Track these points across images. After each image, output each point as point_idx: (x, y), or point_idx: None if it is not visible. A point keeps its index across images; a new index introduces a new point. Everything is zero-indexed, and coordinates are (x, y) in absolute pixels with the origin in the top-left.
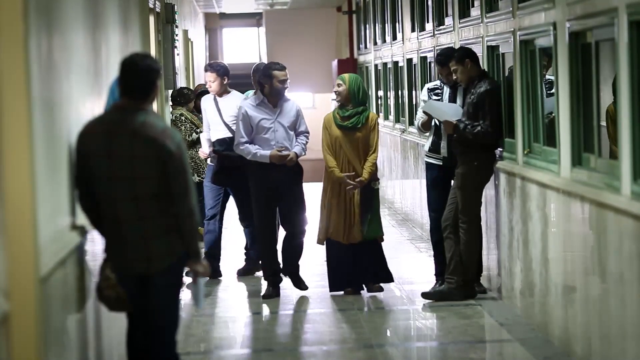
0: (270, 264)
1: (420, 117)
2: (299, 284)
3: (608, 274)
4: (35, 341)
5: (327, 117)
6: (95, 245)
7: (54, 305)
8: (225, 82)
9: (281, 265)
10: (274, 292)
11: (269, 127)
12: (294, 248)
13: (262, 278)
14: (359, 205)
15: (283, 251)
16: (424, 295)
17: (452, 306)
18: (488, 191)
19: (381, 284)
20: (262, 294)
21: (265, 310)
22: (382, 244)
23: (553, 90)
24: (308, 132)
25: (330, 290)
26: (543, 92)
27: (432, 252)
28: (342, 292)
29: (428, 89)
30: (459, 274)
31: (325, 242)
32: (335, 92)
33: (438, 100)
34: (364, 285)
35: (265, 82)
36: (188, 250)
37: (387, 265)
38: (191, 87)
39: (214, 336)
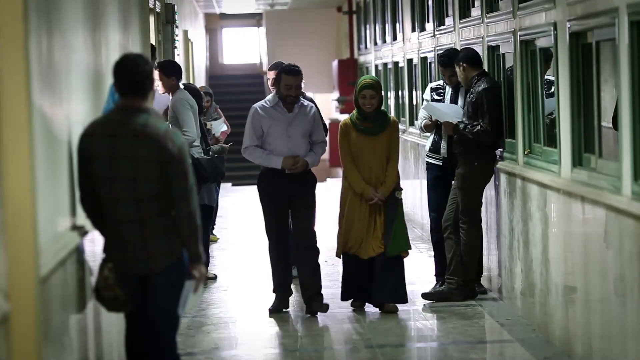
0: (279, 276)
1: (422, 116)
2: (320, 304)
3: (608, 274)
4: (35, 341)
5: (344, 123)
6: (95, 245)
7: (54, 305)
8: (170, 80)
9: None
10: (281, 306)
11: (280, 134)
12: (310, 264)
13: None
14: (382, 218)
15: (300, 271)
16: (425, 295)
17: (452, 307)
18: (488, 191)
19: (397, 305)
20: (269, 307)
21: (265, 311)
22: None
23: (551, 90)
24: (325, 142)
25: (342, 300)
26: (543, 92)
27: (432, 253)
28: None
29: (431, 88)
30: (460, 275)
31: (342, 256)
32: (367, 105)
33: (440, 100)
34: (376, 303)
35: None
36: (187, 253)
37: (405, 284)
38: None
39: (214, 337)
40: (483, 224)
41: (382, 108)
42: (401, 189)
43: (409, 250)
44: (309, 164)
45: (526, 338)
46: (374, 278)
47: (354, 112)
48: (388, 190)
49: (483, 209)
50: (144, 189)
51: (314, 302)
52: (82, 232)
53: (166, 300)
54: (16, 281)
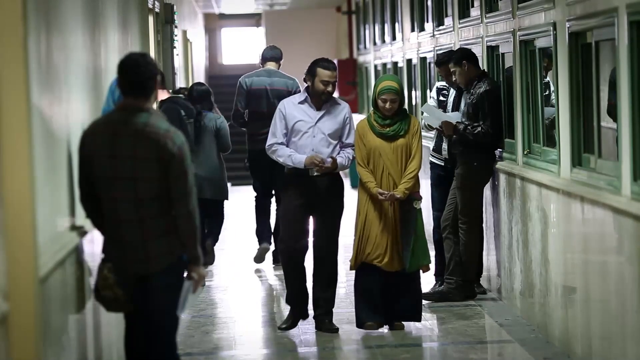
0: (296, 288)
1: (425, 116)
2: (329, 324)
3: (608, 275)
4: (34, 341)
5: (360, 125)
6: (94, 245)
7: (53, 305)
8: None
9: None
10: (294, 324)
11: (305, 132)
12: (326, 277)
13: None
14: (400, 229)
15: (314, 283)
16: (424, 296)
17: (451, 307)
18: (488, 192)
19: (404, 322)
20: (279, 324)
21: (264, 311)
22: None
23: (547, 93)
24: None
25: (358, 326)
26: (543, 93)
27: (432, 253)
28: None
29: (437, 88)
30: (458, 274)
31: (357, 270)
32: (388, 109)
33: (444, 101)
34: (390, 320)
35: (308, 78)
36: (187, 254)
37: (422, 301)
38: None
39: (214, 337)
40: (482, 224)
41: (405, 108)
42: (420, 198)
43: (429, 264)
44: (339, 164)
45: (526, 338)
46: (385, 294)
47: (372, 112)
48: (407, 187)
49: (482, 209)
50: (144, 189)
51: (324, 324)
52: (81, 232)
53: (165, 300)
54: (15, 281)
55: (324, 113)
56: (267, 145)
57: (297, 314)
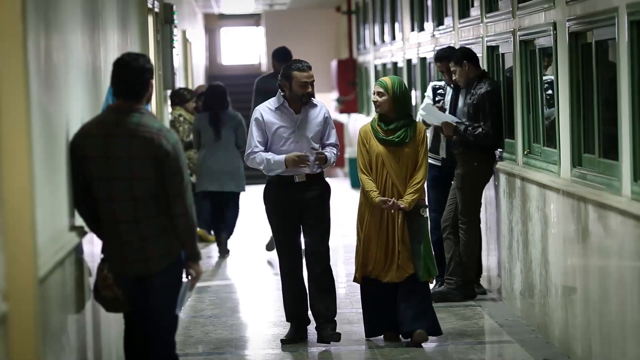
0: (293, 303)
1: (422, 114)
2: (331, 336)
3: (608, 275)
4: (33, 342)
5: (363, 130)
6: (94, 245)
7: (53, 305)
8: None
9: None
10: (297, 337)
11: (287, 138)
12: (322, 286)
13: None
14: (407, 238)
15: (311, 294)
16: None
17: (451, 307)
18: (488, 192)
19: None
20: (282, 337)
21: (264, 312)
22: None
23: (550, 92)
24: (338, 145)
25: (368, 336)
26: (543, 92)
27: None
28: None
29: (432, 87)
30: (458, 275)
31: (361, 281)
32: (374, 102)
33: (441, 100)
34: (406, 333)
35: (284, 84)
36: (185, 252)
37: (435, 313)
38: (189, 88)
39: (213, 337)
40: (482, 225)
41: (411, 114)
42: (426, 205)
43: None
44: (327, 159)
45: (525, 339)
46: (399, 306)
47: (375, 117)
48: (413, 198)
49: (482, 209)
50: (140, 189)
51: (325, 332)
52: (81, 232)
53: (165, 300)
54: (15, 282)
55: (304, 116)
56: (245, 155)
57: (300, 326)
